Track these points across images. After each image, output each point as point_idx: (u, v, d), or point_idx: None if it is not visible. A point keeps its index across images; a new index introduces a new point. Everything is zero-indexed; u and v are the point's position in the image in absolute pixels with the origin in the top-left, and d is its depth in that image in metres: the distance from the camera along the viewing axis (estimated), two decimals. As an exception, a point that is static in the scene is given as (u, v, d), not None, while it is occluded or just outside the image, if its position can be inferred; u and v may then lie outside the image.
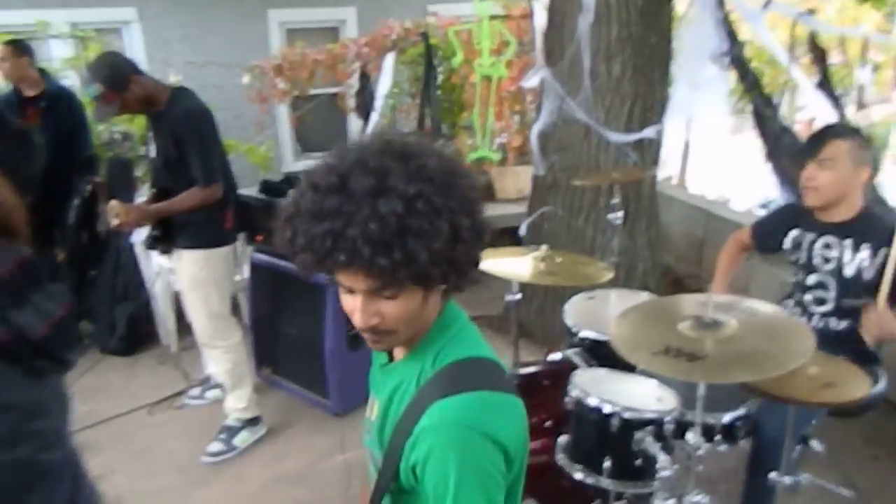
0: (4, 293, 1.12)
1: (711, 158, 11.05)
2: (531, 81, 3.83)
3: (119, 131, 4.37)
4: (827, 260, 2.35)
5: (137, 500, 2.76)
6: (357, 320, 1.03)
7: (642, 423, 2.03)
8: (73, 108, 4.09)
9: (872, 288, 2.24)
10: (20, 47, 3.94)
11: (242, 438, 3.10)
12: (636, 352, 1.83)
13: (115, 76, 2.67)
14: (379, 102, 4.32)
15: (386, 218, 0.92)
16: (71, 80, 4.83)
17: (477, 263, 1.08)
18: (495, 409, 1.04)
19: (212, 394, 3.47)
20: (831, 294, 2.35)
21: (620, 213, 3.14)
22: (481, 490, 1.00)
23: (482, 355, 1.11)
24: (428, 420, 1.02)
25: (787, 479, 2.10)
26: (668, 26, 3.60)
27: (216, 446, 3.06)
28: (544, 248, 2.69)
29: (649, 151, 3.66)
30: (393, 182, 0.94)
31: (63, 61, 5.31)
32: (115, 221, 2.71)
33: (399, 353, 1.17)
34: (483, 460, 1.00)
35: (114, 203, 2.72)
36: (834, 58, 3.19)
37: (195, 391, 3.54)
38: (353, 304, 1.03)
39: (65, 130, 3.99)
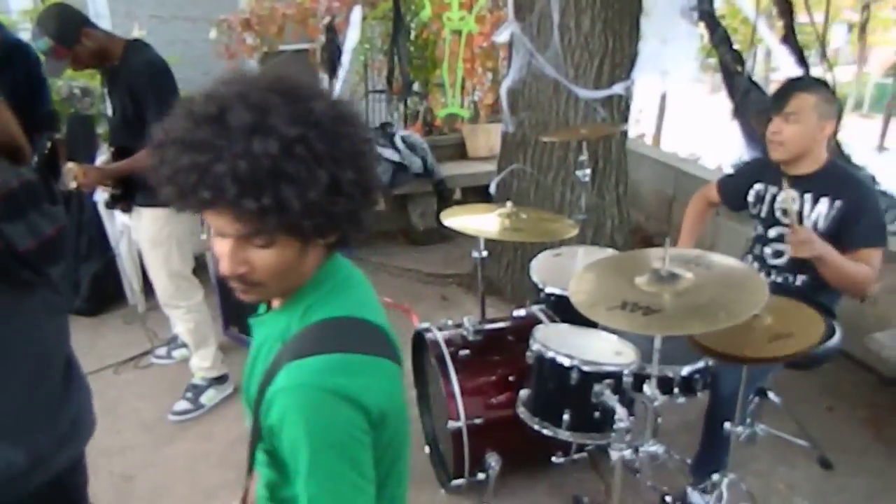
0: (5, 205, 1.23)
1: (688, 117, 11.06)
2: (501, 37, 3.77)
3: (79, 87, 4.22)
4: (787, 213, 2.37)
5: (103, 457, 2.75)
6: (223, 267, 0.98)
7: (601, 376, 2.06)
8: (31, 61, 3.94)
9: (828, 239, 2.27)
10: (-30, -2, 3.78)
11: (209, 397, 3.10)
12: (594, 308, 1.84)
13: (65, 29, 2.56)
14: (346, 57, 4.23)
15: (259, 157, 0.86)
16: (29, 32, 4.67)
17: (360, 222, 1.02)
18: (354, 370, 0.99)
19: (178, 353, 3.46)
20: (790, 247, 2.38)
21: (589, 171, 3.13)
22: (339, 452, 0.95)
23: (353, 315, 1.05)
24: (281, 382, 0.97)
25: (742, 430, 2.15)
26: (638, -20, 3.55)
27: (182, 405, 3.05)
28: (509, 204, 2.68)
29: (619, 108, 3.64)
30: (273, 121, 0.87)
31: (21, 13, 5.13)
32: (73, 184, 2.64)
33: (276, 303, 1.11)
34: (338, 422, 0.95)
35: (71, 165, 2.65)
36: (810, 17, 3.16)
37: (161, 350, 3.52)
38: (222, 249, 0.97)
39: (22, 85, 3.84)
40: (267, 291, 1.04)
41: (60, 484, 1.49)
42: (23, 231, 1.26)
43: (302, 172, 0.88)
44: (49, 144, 3.90)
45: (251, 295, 1.03)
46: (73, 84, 4.20)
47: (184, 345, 3.36)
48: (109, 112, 2.86)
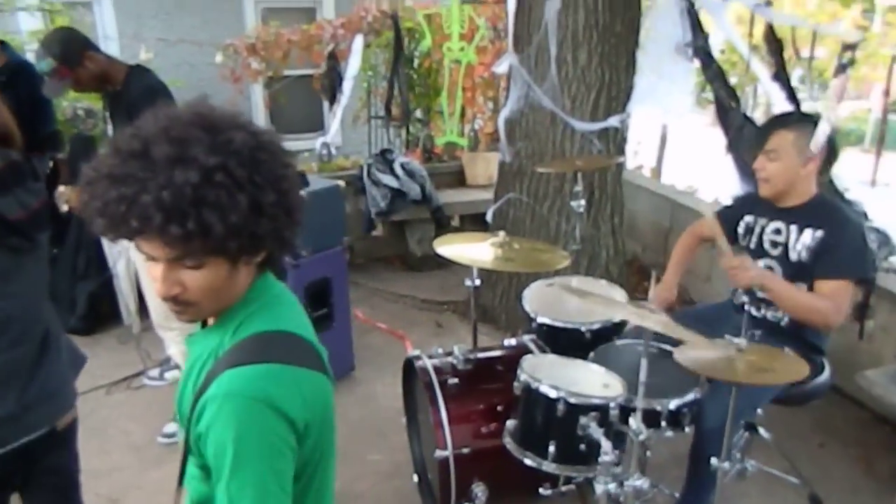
0: None
1: (688, 150, 11.11)
2: (500, 68, 3.82)
3: (83, 108, 4.29)
4: (776, 245, 2.39)
5: (91, 478, 2.69)
6: (158, 289, 1.03)
7: (587, 409, 2.06)
8: (35, 82, 3.99)
9: (808, 272, 2.27)
10: (-20, 19, 3.85)
11: (199, 419, 3.09)
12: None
13: (69, 51, 2.62)
14: (348, 84, 4.29)
15: (181, 186, 0.92)
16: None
17: (285, 241, 1.07)
18: (283, 381, 1.03)
19: (171, 375, 3.46)
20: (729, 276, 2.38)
21: (584, 201, 3.16)
22: (262, 460, 0.99)
23: (284, 329, 1.11)
24: (213, 390, 1.02)
25: (728, 466, 2.14)
26: (635, 15, 3.60)
27: (172, 427, 3.04)
28: (502, 234, 2.70)
29: (614, 140, 3.67)
30: (194, 152, 0.94)
31: (30, 34, 5.21)
32: (64, 207, 2.67)
33: (211, 321, 1.16)
34: (264, 430, 1.00)
35: (63, 189, 2.68)
36: (796, 53, 3.21)
37: (154, 372, 3.52)
38: (156, 273, 1.02)
39: (25, 105, 3.89)
40: (201, 311, 1.09)
41: (43, 464, 1.62)
42: (12, 203, 1.46)
43: (223, 198, 0.94)
44: (51, 164, 3.96)
45: (187, 315, 1.08)
46: (77, 105, 4.27)
47: (177, 367, 3.36)
48: (111, 135, 2.90)
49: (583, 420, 2.05)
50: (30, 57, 4.30)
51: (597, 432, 2.01)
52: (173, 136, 0.95)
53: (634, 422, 1.97)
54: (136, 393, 3.44)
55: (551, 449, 2.08)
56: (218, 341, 1.10)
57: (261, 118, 7.43)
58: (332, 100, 4.59)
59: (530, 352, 2.57)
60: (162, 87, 2.80)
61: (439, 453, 2.31)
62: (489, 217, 4.00)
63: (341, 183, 3.47)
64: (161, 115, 1.00)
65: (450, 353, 2.58)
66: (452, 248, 2.66)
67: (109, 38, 6.52)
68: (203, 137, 0.96)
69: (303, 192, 3.13)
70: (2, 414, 1.48)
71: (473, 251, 2.66)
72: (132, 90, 2.73)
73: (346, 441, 2.97)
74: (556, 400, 2.06)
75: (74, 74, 2.64)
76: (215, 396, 1.01)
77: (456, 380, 2.43)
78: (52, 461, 1.67)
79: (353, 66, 4.25)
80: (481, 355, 2.64)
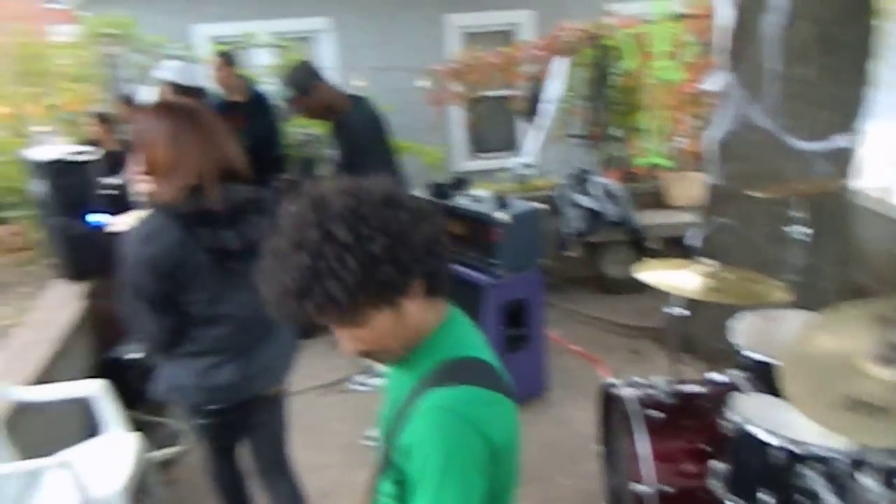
0: (223, 219, 1.87)
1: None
2: (711, 85, 3.64)
3: (307, 133, 4.76)
4: None
5: (303, 472, 2.98)
6: (345, 350, 1.16)
7: (809, 459, 1.88)
8: (269, 111, 4.53)
9: None
10: (228, 58, 4.43)
11: (400, 427, 3.27)
12: (810, 405, 1.68)
13: (300, 81, 3.01)
14: (548, 107, 4.30)
15: (299, 270, 1.03)
16: (271, 84, 5.32)
17: (431, 272, 1.12)
18: (485, 404, 1.11)
19: (375, 381, 3.69)
20: None
21: (804, 228, 2.90)
22: (467, 476, 1.05)
23: (477, 356, 1.19)
24: (426, 403, 1.10)
25: None
26: (867, 22, 3.24)
27: (375, 431, 3.24)
28: (712, 262, 2.56)
29: (841, 161, 3.33)
30: (305, 234, 1.04)
31: (265, 68, 5.87)
32: None
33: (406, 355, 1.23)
34: (471, 448, 1.06)
35: None
36: None
37: (360, 377, 3.78)
38: (339, 337, 1.14)
39: (262, 132, 4.42)
40: (390, 353, 1.18)
41: (258, 419, 2.15)
42: (233, 237, 1.87)
43: (334, 264, 1.03)
44: (280, 185, 4.44)
45: (382, 359, 1.20)
46: (302, 131, 4.75)
47: (380, 375, 3.58)
48: (335, 157, 3.19)
49: (802, 470, 1.87)
50: (263, 89, 4.86)
51: (818, 485, 1.83)
52: (293, 224, 1.07)
53: (867, 479, 1.76)
54: (345, 396, 3.71)
55: (763, 497, 1.93)
56: (416, 369, 1.18)
57: (461, 138, 7.72)
58: (530, 120, 4.63)
59: (739, 389, 2.40)
60: (377, 115, 3.05)
61: (638, 488, 2.23)
62: (692, 241, 3.81)
63: (541, 206, 3.50)
64: (291, 206, 1.11)
65: (651, 385, 2.49)
66: (653, 273, 2.57)
67: (330, 69, 7.13)
68: (311, 217, 1.05)
69: (504, 215, 3.20)
70: (228, 380, 1.98)
71: (677, 278, 2.55)
72: (352, 118, 3.00)
73: (537, 462, 2.98)
74: (774, 446, 1.91)
75: (304, 102, 2.97)
76: (426, 410, 1.09)
77: (659, 413, 2.34)
78: (263, 418, 2.20)
79: (554, 88, 4.26)
80: (686, 389, 2.52)
